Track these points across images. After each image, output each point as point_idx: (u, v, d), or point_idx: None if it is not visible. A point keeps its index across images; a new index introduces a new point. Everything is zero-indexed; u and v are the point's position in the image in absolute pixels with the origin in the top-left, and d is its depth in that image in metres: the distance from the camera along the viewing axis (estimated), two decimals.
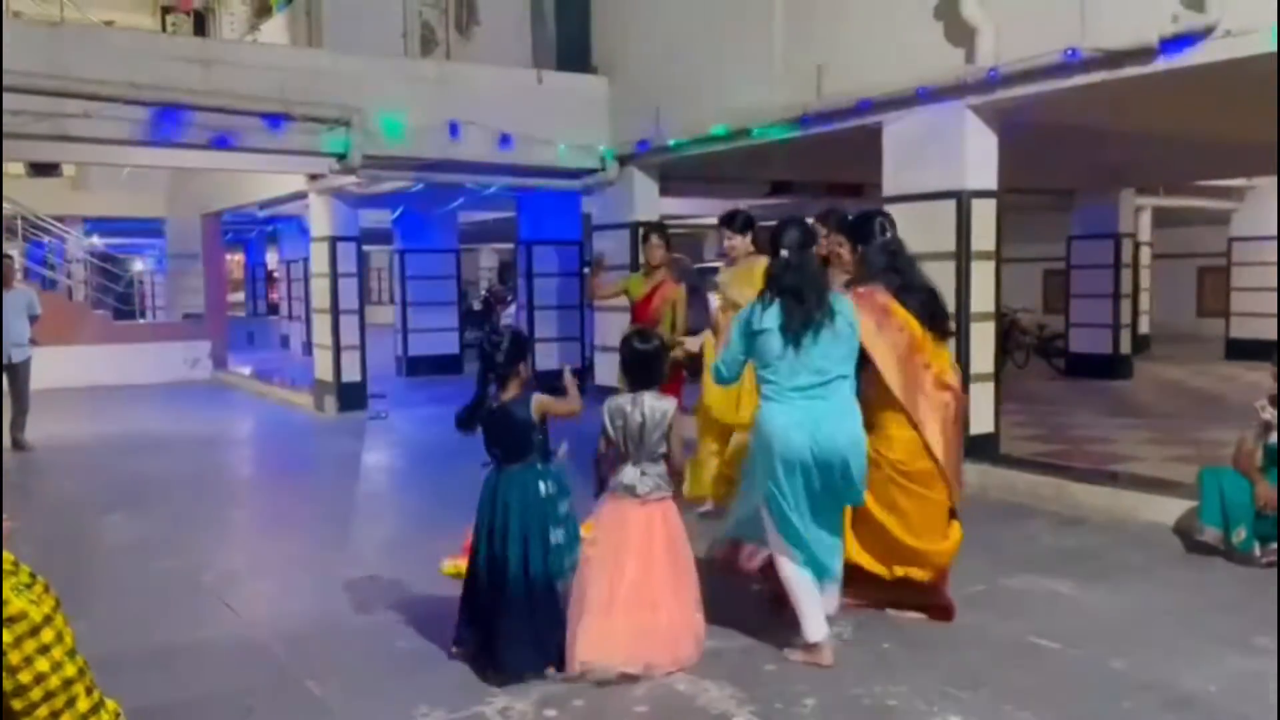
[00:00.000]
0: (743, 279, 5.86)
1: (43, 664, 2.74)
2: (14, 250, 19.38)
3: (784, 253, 4.08)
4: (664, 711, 3.64)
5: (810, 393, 3.96)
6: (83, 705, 2.89)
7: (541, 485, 3.93)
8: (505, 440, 3.94)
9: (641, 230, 7.34)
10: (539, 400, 3.94)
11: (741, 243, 6.17)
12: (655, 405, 3.99)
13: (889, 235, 4.60)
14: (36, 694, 2.74)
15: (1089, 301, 14.12)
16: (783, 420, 3.94)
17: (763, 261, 5.71)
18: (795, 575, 4.04)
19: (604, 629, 3.84)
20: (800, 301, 3.97)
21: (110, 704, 3.11)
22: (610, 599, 3.88)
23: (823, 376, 3.97)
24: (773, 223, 4.35)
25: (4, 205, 17.13)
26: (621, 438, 3.99)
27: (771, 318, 3.99)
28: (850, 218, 4.93)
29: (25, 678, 2.70)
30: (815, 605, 4.02)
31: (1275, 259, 14.72)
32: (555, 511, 3.93)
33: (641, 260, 7.15)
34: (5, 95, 7.62)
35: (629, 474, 3.99)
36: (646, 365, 4.08)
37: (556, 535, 3.91)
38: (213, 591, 5.18)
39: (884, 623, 4.46)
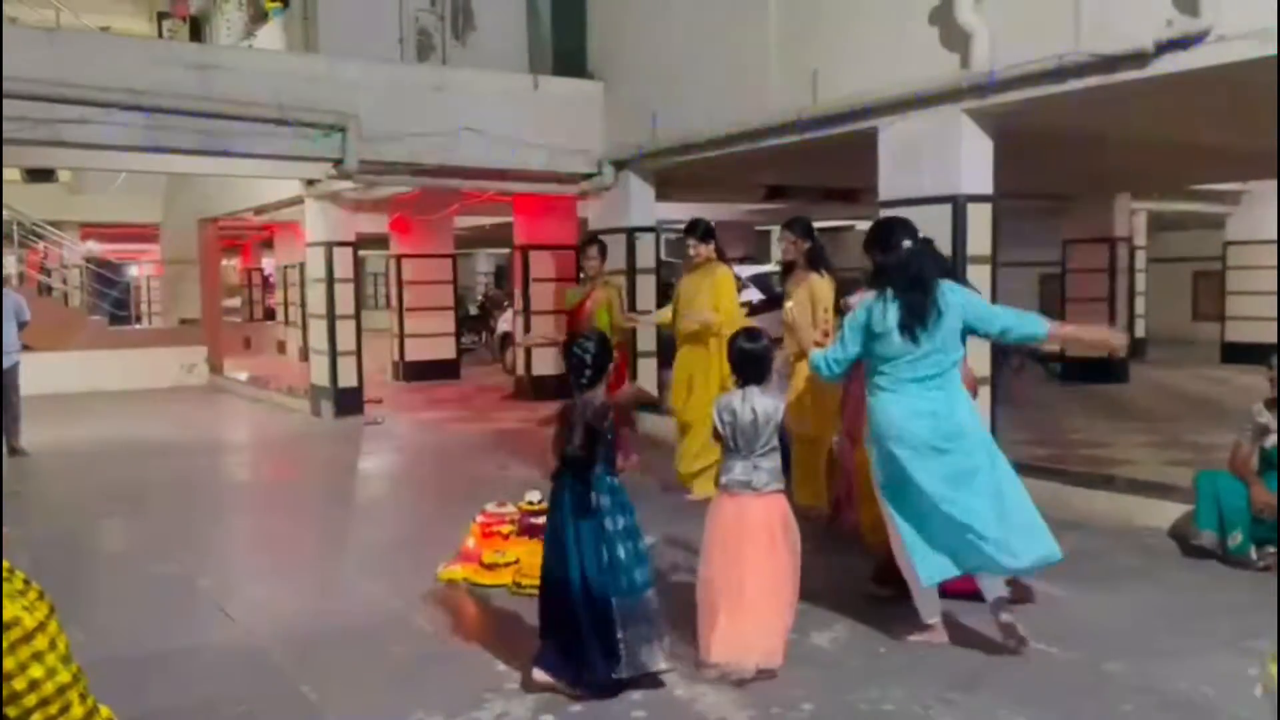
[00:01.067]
0: (701, 283, 6.66)
1: (36, 671, 2.72)
2: (11, 256, 19.41)
3: (890, 252, 4.24)
4: (662, 716, 3.63)
5: (928, 383, 4.13)
6: (77, 712, 2.88)
7: (619, 492, 3.91)
8: (591, 448, 3.86)
9: (582, 241, 7.43)
10: (614, 404, 4.02)
11: (705, 250, 6.73)
12: (765, 402, 4.04)
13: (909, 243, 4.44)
14: (30, 701, 2.73)
15: (1085, 306, 14.14)
16: (901, 410, 4.11)
17: (722, 267, 6.57)
18: (903, 555, 4.17)
19: (738, 628, 3.89)
20: (917, 301, 4.12)
21: (105, 710, 3.09)
22: (740, 596, 3.91)
23: (939, 368, 4.14)
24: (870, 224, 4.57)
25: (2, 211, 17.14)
26: (731, 434, 4.02)
27: (891, 318, 4.12)
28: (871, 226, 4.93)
29: (19, 685, 2.69)
30: (925, 588, 4.17)
31: (1269, 263, 14.76)
32: (614, 524, 3.84)
33: (581, 272, 7.31)
34: (2, 101, 7.62)
35: (741, 469, 4.01)
36: (756, 362, 4.13)
37: (616, 550, 3.80)
38: (209, 597, 5.17)
39: (879, 627, 4.46)
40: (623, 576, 3.77)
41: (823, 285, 6.23)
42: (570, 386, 3.95)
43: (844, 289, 5.87)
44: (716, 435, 4.10)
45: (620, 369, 6.52)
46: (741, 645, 3.87)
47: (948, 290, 4.22)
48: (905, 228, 4.41)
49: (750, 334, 4.27)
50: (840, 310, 5.21)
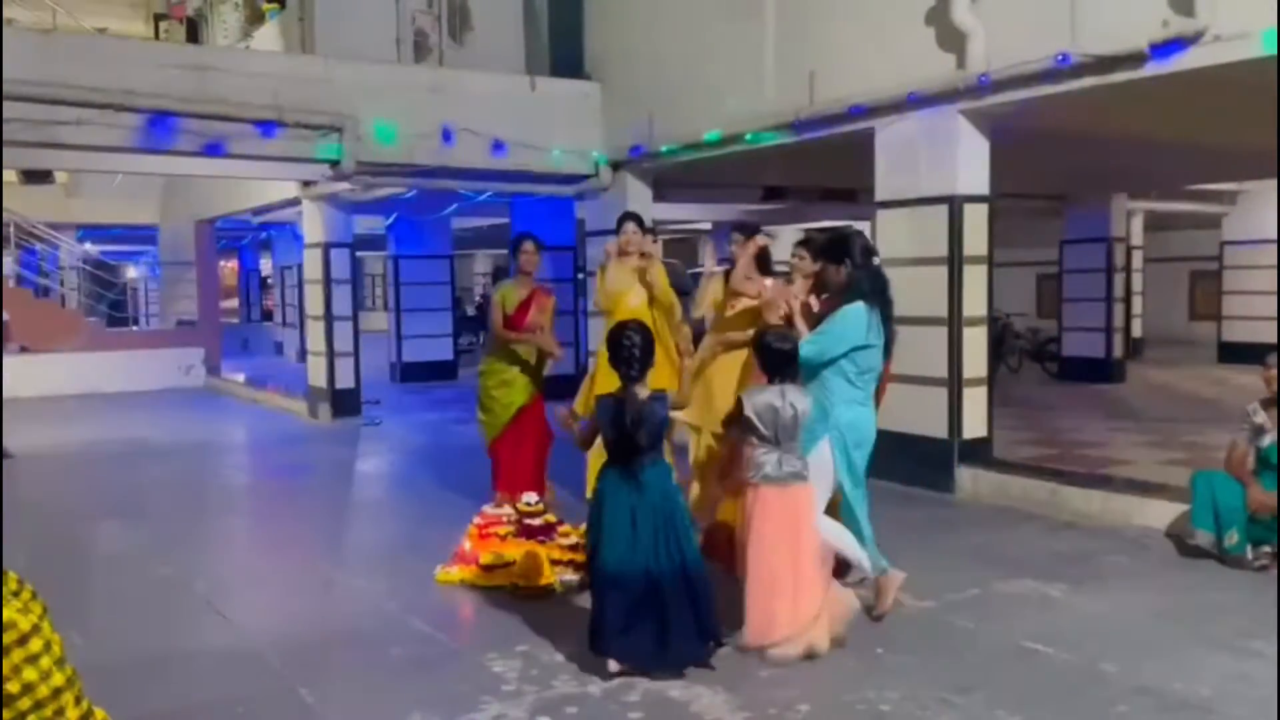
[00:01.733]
0: (627, 274, 6.52)
1: (30, 673, 2.72)
2: (7, 258, 19.40)
3: (861, 266, 4.53)
4: (658, 717, 3.63)
5: (870, 392, 4.53)
6: (72, 715, 2.87)
7: (672, 477, 4.09)
8: (658, 438, 4.00)
9: (516, 237, 7.07)
10: (671, 395, 4.18)
11: (643, 240, 6.69)
12: (800, 398, 4.25)
13: (876, 259, 4.71)
14: (24, 704, 2.73)
15: (1082, 305, 14.16)
16: (870, 420, 4.53)
17: (655, 262, 6.44)
18: (830, 526, 4.43)
19: (792, 610, 4.09)
20: (889, 318, 4.48)
21: (100, 713, 3.09)
22: (799, 579, 4.12)
23: (877, 378, 4.55)
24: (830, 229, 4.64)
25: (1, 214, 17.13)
26: (772, 430, 4.19)
27: (876, 333, 4.44)
28: (830, 237, 5.06)
29: (13, 687, 2.69)
30: (855, 545, 4.47)
31: (1266, 263, 14.80)
32: (676, 507, 4.04)
33: (517, 268, 6.89)
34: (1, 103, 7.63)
35: (782, 461, 4.21)
36: (790, 361, 4.33)
37: (687, 531, 4.05)
38: (206, 599, 5.17)
39: (877, 627, 4.47)
40: (693, 555, 3.98)
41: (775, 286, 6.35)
42: (624, 379, 4.03)
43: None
44: (750, 429, 4.21)
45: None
46: (796, 626, 4.09)
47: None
48: (866, 240, 4.69)
49: (781, 335, 4.43)
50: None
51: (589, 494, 4.24)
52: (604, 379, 6.41)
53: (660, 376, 6.27)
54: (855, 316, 4.42)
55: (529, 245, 6.82)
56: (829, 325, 4.51)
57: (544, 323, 6.63)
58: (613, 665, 3.92)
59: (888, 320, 4.53)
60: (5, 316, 9.86)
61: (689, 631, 3.91)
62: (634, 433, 3.91)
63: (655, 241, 6.79)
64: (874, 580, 4.59)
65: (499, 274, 30.77)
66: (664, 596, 3.88)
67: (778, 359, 4.32)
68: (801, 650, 4.07)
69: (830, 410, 4.43)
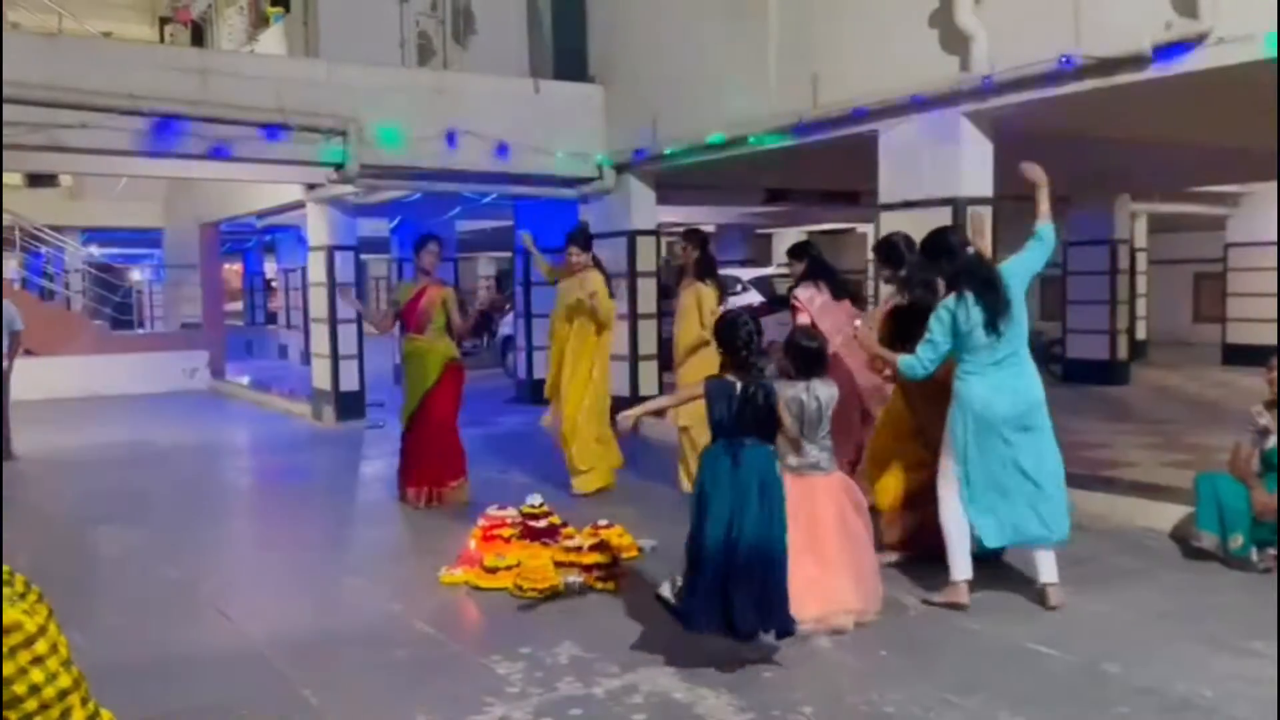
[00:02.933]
0: (576, 286, 7.23)
1: (37, 675, 2.73)
2: (13, 261, 19.44)
3: (954, 259, 4.86)
4: (662, 718, 3.63)
5: (1005, 364, 4.75)
6: (78, 716, 2.88)
7: (777, 464, 4.24)
8: (765, 423, 4.16)
9: (415, 240, 7.49)
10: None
11: (584, 258, 7.33)
12: (826, 390, 4.52)
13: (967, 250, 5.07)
14: (31, 705, 2.74)
15: (1085, 307, 14.14)
16: (987, 389, 4.71)
17: (595, 272, 7.23)
18: (956, 517, 4.74)
19: (832, 584, 4.39)
20: (994, 299, 4.69)
21: (106, 714, 3.10)
22: (824, 561, 4.39)
23: (1013, 347, 4.75)
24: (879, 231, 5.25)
25: (3, 216, 17.17)
26: (799, 423, 4.43)
27: (975, 316, 4.68)
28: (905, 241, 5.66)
29: (20, 689, 2.70)
30: (963, 548, 4.73)
31: (1271, 265, 14.76)
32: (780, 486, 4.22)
33: (417, 267, 7.45)
34: (4, 106, 7.63)
35: (809, 453, 4.48)
36: (817, 358, 4.57)
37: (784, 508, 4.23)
38: (210, 601, 5.18)
39: (880, 629, 4.47)
40: (783, 534, 4.16)
41: (709, 293, 7.00)
42: (736, 365, 4.17)
43: (725, 295, 6.95)
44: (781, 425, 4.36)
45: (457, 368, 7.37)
46: (835, 600, 4.37)
47: (1004, 275, 4.79)
48: (957, 234, 5.09)
49: (808, 334, 4.73)
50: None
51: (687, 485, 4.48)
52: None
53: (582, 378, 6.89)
54: (935, 319, 4.78)
55: (433, 246, 7.28)
56: (929, 329, 4.84)
57: (430, 311, 7.12)
58: (736, 644, 4.06)
59: (983, 300, 4.70)
60: (19, 324, 9.87)
61: (769, 604, 4.06)
62: (743, 412, 4.07)
63: (588, 255, 7.38)
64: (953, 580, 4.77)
65: (503, 277, 30.83)
66: (759, 572, 4.03)
67: (807, 357, 4.54)
68: (829, 627, 4.33)
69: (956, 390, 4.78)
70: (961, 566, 4.75)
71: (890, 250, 5.66)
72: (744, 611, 3.98)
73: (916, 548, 5.39)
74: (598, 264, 7.52)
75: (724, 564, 4.01)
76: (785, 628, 4.09)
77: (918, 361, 4.81)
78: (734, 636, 4.03)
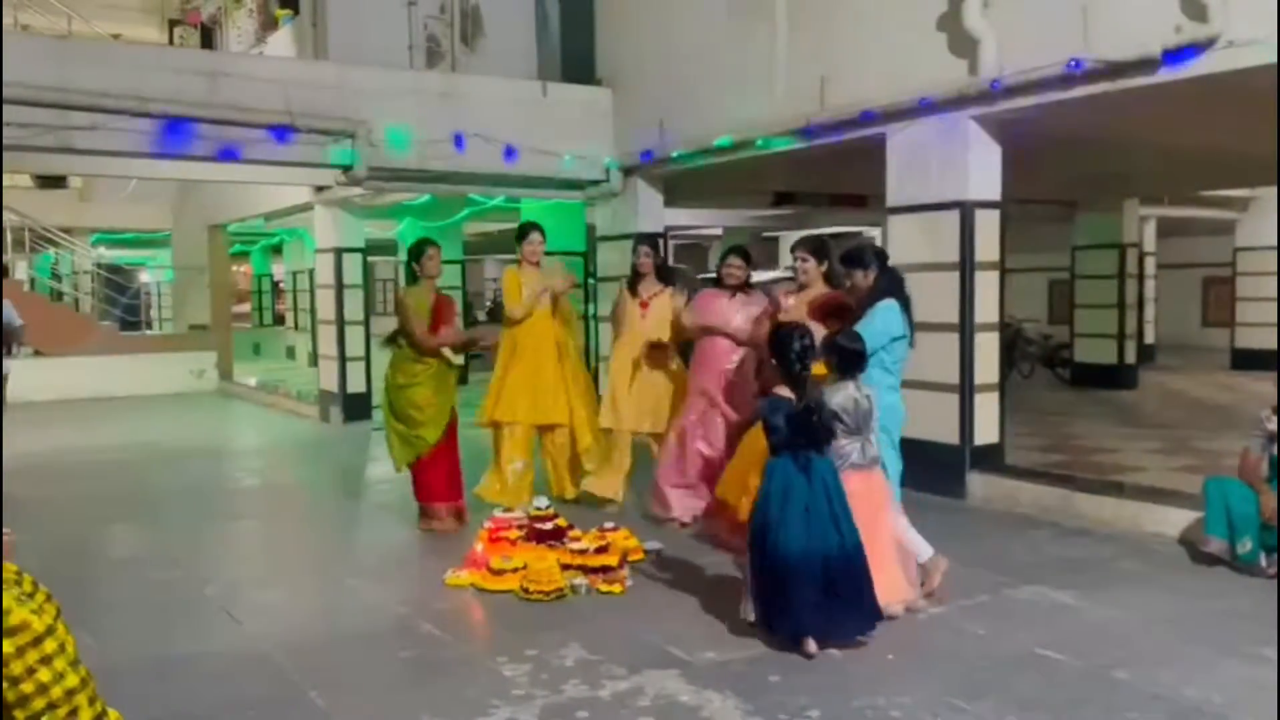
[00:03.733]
0: (542, 276, 7.05)
1: (45, 674, 2.74)
2: (22, 262, 19.52)
3: (885, 270, 5.21)
4: None
5: (900, 379, 5.16)
6: (85, 716, 2.89)
7: (834, 467, 4.40)
8: (827, 432, 4.35)
9: (412, 245, 6.87)
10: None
11: (542, 247, 7.17)
12: (869, 390, 4.68)
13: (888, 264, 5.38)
14: (39, 704, 2.75)
15: (1094, 311, 14.11)
16: (902, 404, 5.11)
17: (557, 263, 7.27)
18: (903, 520, 4.89)
19: (888, 574, 4.55)
20: (910, 312, 5.10)
21: (113, 714, 3.11)
22: (877, 552, 4.49)
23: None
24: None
25: (12, 217, 17.25)
26: (855, 421, 4.57)
27: (906, 326, 5.05)
28: (851, 247, 5.68)
29: (28, 688, 2.70)
30: (919, 537, 4.91)
31: (1278, 269, 14.73)
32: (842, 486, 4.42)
33: (417, 275, 6.73)
34: (14, 108, 7.67)
35: (865, 448, 4.62)
36: (860, 358, 4.69)
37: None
38: (216, 602, 5.19)
39: (888, 633, 4.46)
40: (855, 536, 4.31)
41: (677, 297, 7.01)
42: (790, 381, 4.39)
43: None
44: (836, 422, 4.47)
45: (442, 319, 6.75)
46: (893, 590, 4.54)
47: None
48: (880, 246, 5.57)
49: (851, 335, 4.78)
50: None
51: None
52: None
53: (556, 378, 6.94)
54: (890, 312, 5.00)
55: (433, 250, 6.70)
56: (868, 323, 5.00)
57: (452, 320, 6.76)
58: (811, 646, 4.17)
59: (909, 314, 5.14)
60: (17, 321, 9.87)
61: (861, 603, 4.26)
62: (803, 425, 4.26)
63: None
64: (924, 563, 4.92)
65: None
66: (837, 574, 4.20)
67: (852, 357, 4.65)
68: (885, 615, 4.45)
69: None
70: (924, 547, 4.90)
71: (860, 256, 5.45)
72: (843, 618, 4.23)
73: None
74: (665, 272, 7.28)
75: (817, 574, 4.16)
76: (874, 624, 4.32)
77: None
78: (832, 640, 4.21)
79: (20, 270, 20.19)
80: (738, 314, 6.39)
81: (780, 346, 4.40)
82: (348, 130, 9.00)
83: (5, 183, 18.28)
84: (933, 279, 7.31)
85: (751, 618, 4.41)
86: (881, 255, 5.37)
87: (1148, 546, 5.91)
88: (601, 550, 5.31)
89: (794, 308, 5.72)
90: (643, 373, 6.90)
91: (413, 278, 6.73)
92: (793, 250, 6.05)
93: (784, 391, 4.37)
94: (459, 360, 6.69)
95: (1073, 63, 6.26)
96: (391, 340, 6.69)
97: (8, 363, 9.57)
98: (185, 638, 4.66)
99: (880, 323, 5.04)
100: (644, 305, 7.02)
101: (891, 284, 5.16)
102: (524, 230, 7.21)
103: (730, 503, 5.31)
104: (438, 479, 6.57)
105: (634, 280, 7.13)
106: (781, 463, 4.27)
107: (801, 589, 4.16)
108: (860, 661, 4.17)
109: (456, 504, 6.64)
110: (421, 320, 6.44)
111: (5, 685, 2.71)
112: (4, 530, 2.95)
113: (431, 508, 6.58)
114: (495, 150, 9.70)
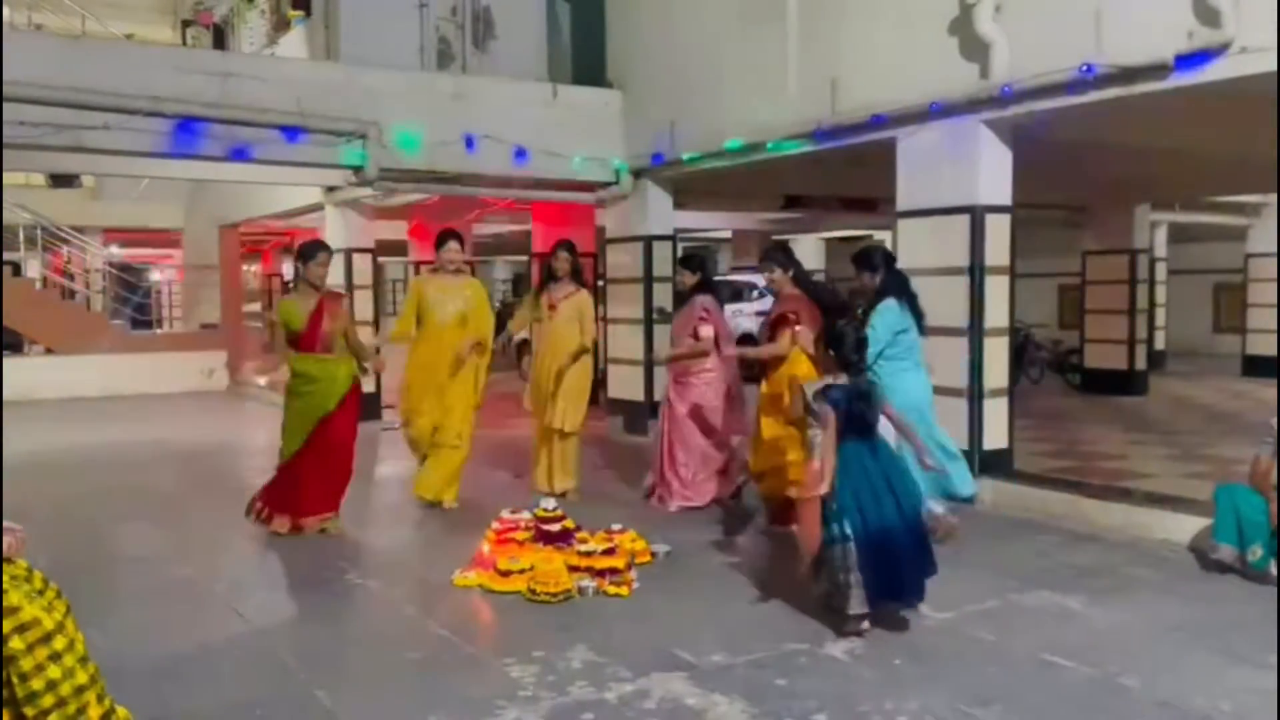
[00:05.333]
0: (456, 287, 7.07)
1: (54, 671, 2.75)
2: (34, 260, 19.59)
3: (891, 270, 5.91)
4: None
5: (920, 358, 5.91)
6: (94, 713, 2.90)
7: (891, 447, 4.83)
8: (877, 415, 4.69)
9: (302, 246, 6.55)
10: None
11: (461, 256, 7.19)
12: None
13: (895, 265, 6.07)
14: (48, 700, 2.76)
15: (1104, 317, 14.06)
16: (922, 379, 5.81)
17: (473, 278, 7.37)
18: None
19: None
20: (917, 304, 5.85)
21: (121, 711, 3.12)
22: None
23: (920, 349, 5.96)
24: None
25: (24, 215, 17.34)
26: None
27: (908, 318, 5.76)
28: (859, 250, 6.29)
29: (37, 684, 2.72)
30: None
31: (1279, 276, 14.68)
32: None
33: (300, 279, 6.50)
34: (27, 108, 7.71)
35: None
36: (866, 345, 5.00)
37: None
38: (224, 600, 5.20)
39: (896, 638, 4.45)
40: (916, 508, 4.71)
41: (588, 299, 7.41)
42: (846, 368, 4.69)
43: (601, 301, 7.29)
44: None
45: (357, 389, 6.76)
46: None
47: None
48: (886, 249, 6.13)
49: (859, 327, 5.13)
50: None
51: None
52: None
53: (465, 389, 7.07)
54: (889, 312, 5.61)
55: (323, 255, 6.43)
56: (871, 329, 5.63)
57: (345, 329, 6.45)
58: (864, 625, 4.47)
59: (916, 306, 5.90)
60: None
61: (923, 570, 4.59)
62: (866, 409, 4.61)
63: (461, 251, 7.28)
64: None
65: (519, 281, 30.90)
66: (903, 543, 4.50)
67: (856, 345, 4.86)
68: None
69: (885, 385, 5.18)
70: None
71: (868, 258, 6.13)
72: (914, 580, 4.55)
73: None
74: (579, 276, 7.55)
75: (893, 544, 4.47)
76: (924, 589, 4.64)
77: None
78: (904, 603, 4.61)
79: (32, 268, 20.26)
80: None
81: (839, 339, 4.72)
82: (358, 131, 9.02)
83: (19, 181, 18.40)
84: (943, 283, 7.30)
85: (859, 608, 4.48)
86: (889, 258, 5.91)
87: (1157, 553, 5.89)
88: (609, 552, 5.31)
89: (801, 334, 6.14)
90: (545, 369, 7.30)
91: (297, 280, 6.51)
92: (759, 263, 6.63)
93: (839, 380, 4.68)
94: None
95: (1085, 67, 6.25)
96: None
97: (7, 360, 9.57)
98: (193, 635, 4.67)
99: (881, 326, 5.79)
100: (553, 306, 7.29)
101: (895, 283, 5.77)
102: (443, 238, 7.10)
103: (775, 489, 6.14)
104: (292, 486, 6.45)
105: (547, 281, 7.39)
106: (855, 447, 4.57)
107: (874, 559, 4.45)
108: (867, 666, 4.16)
109: (296, 519, 6.45)
110: (285, 333, 6.38)
111: (15, 681, 2.72)
112: (14, 527, 2.96)
113: (262, 509, 6.52)
114: (505, 152, 9.72)
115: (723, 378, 7.08)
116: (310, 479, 6.42)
